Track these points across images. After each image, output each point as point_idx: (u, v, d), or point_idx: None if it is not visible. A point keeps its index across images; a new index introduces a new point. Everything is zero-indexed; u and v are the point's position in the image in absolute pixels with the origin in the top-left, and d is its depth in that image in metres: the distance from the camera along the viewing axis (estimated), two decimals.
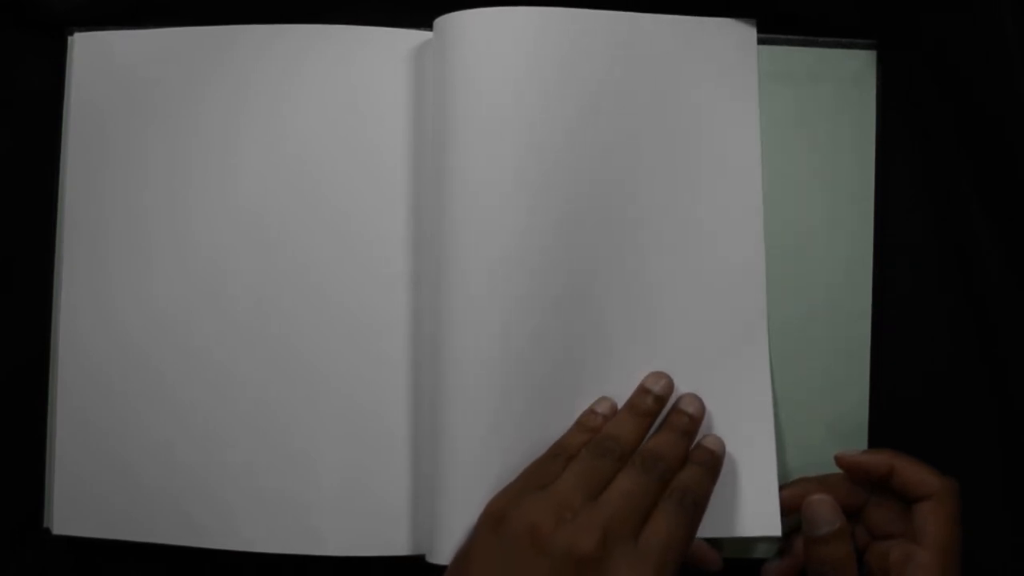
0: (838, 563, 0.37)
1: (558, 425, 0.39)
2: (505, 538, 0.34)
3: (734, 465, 0.40)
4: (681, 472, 0.36)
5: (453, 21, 0.40)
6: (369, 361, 0.41)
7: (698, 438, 0.39)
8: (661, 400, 0.39)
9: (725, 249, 0.41)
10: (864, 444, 0.42)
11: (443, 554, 0.38)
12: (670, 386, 0.39)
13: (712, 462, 0.37)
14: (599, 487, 0.35)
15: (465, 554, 0.35)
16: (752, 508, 0.39)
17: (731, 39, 0.41)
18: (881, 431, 0.42)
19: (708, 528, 0.39)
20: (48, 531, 0.42)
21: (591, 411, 0.39)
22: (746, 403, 0.40)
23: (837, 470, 0.39)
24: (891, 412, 0.42)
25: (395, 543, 0.41)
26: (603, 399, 0.39)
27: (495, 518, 0.35)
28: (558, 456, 0.37)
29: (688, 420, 0.38)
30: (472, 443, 0.38)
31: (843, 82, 0.42)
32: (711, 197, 0.41)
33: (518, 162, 0.39)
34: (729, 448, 0.39)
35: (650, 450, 0.37)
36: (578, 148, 0.39)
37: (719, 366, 0.40)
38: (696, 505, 0.35)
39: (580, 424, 0.39)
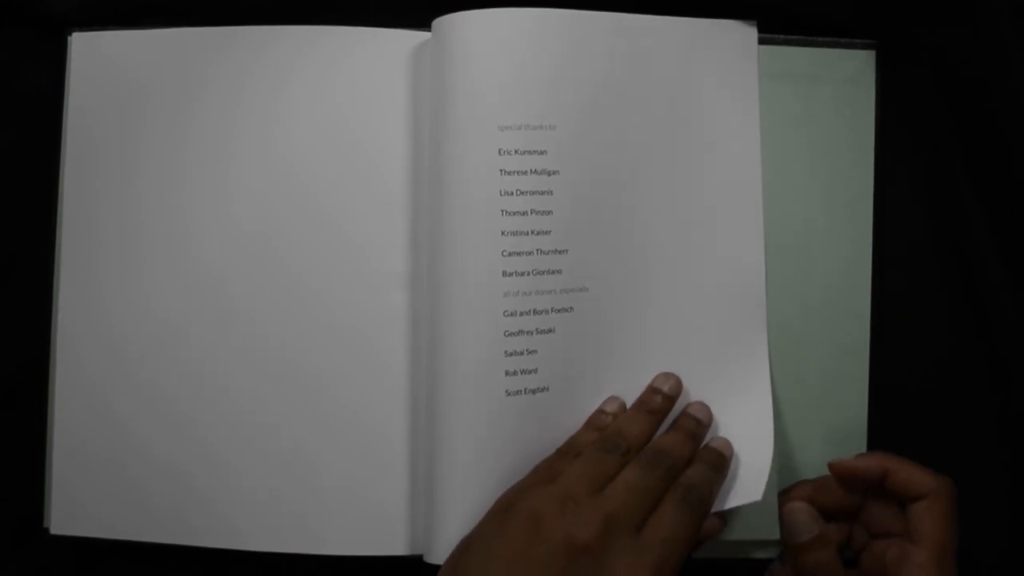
0: (820, 568, 0.37)
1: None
2: (508, 524, 0.34)
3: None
4: (688, 470, 0.36)
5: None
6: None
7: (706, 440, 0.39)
8: (670, 399, 0.39)
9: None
10: (863, 443, 0.42)
11: (440, 554, 0.38)
12: (679, 386, 0.40)
13: (719, 463, 0.37)
14: (604, 481, 0.35)
15: (469, 538, 0.35)
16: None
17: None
18: (881, 430, 0.42)
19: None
20: (47, 531, 0.42)
21: (601, 411, 0.39)
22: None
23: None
24: (891, 411, 0.42)
25: (393, 543, 0.40)
26: (612, 399, 0.40)
27: (503, 507, 0.35)
28: (567, 453, 0.37)
29: (696, 424, 0.38)
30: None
31: (842, 82, 0.42)
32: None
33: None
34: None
35: (656, 447, 0.37)
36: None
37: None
38: (701, 503, 0.35)
39: (590, 423, 0.39)
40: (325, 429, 0.41)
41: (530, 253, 0.39)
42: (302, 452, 0.41)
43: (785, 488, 0.40)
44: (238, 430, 0.41)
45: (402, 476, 0.41)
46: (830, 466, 0.38)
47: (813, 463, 0.41)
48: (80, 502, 0.41)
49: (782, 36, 0.42)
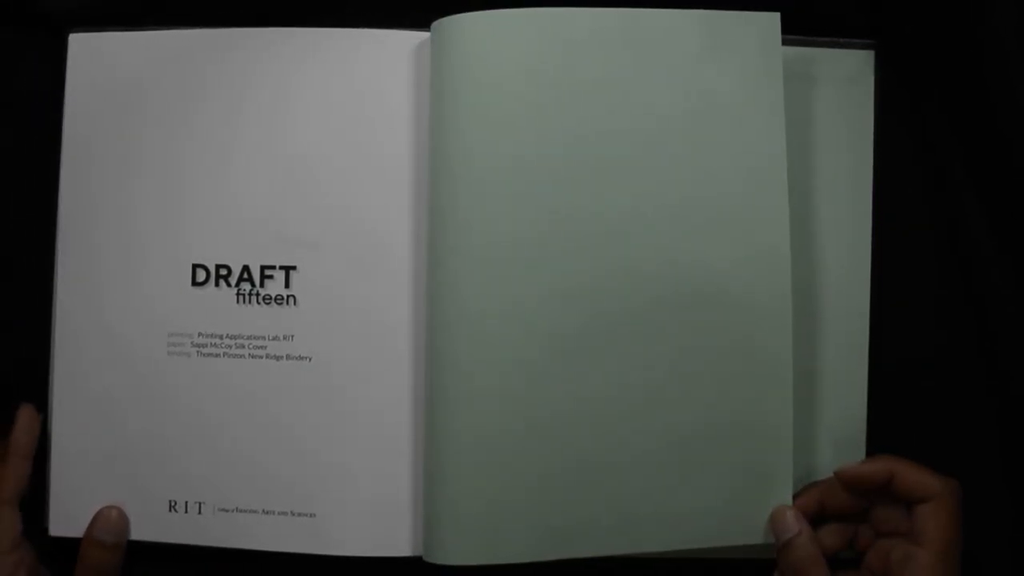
0: (799, 567, 0.37)
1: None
2: None
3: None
4: None
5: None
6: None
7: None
8: None
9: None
10: (863, 444, 0.42)
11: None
12: None
13: None
14: None
15: None
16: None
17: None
18: (881, 430, 0.42)
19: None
20: (45, 532, 0.42)
21: None
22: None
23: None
24: (891, 411, 0.42)
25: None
26: None
27: None
28: None
29: None
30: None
31: (841, 81, 0.42)
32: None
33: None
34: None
35: None
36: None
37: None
38: None
39: None
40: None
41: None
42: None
43: (796, 493, 0.40)
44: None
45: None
46: (836, 474, 0.39)
47: (813, 463, 0.41)
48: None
49: (781, 36, 0.42)
